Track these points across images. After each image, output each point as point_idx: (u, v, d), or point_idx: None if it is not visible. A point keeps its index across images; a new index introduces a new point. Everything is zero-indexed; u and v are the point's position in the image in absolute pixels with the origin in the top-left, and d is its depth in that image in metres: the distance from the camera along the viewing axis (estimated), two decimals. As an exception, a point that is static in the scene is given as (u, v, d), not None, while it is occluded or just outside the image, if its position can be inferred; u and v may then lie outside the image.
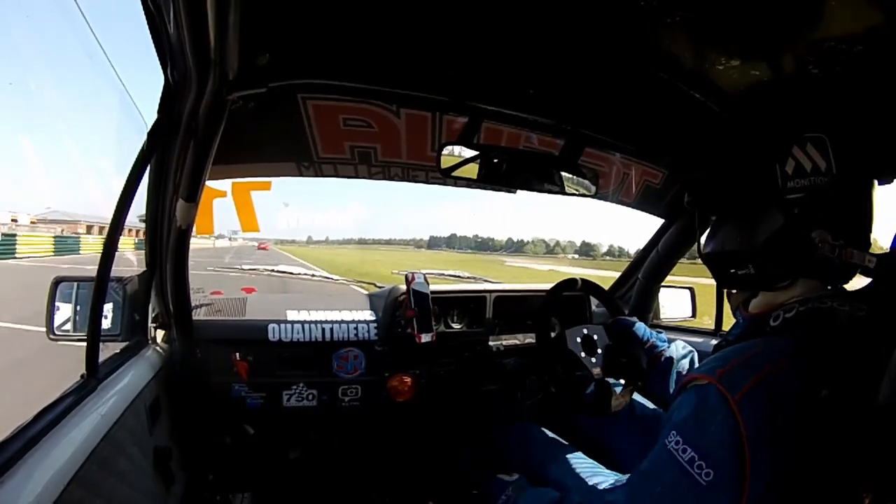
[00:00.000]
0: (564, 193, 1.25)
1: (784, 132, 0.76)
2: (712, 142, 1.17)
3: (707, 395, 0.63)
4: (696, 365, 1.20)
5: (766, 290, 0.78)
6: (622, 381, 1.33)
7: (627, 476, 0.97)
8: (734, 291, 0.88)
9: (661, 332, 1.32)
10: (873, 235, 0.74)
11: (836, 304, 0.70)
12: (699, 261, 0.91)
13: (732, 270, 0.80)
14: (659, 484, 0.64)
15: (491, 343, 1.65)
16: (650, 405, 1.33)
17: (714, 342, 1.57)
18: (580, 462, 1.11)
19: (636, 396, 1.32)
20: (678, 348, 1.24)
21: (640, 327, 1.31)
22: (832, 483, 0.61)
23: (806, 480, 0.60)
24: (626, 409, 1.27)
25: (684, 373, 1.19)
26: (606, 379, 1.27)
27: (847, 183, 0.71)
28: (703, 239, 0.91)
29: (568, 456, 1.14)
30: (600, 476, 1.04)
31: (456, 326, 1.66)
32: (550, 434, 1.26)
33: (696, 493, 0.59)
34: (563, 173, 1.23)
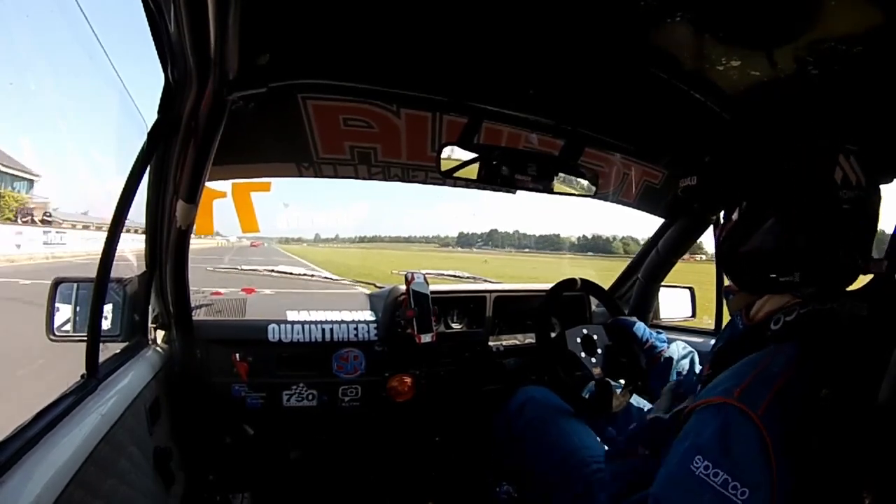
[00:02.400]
0: (565, 194, 1.25)
1: (820, 139, 0.75)
2: (713, 142, 1.17)
3: (729, 415, 0.63)
4: (697, 365, 1.20)
5: (785, 293, 0.77)
6: (622, 381, 1.33)
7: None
8: (731, 296, 0.87)
9: (660, 333, 1.32)
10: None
11: (836, 306, 0.70)
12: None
13: (773, 276, 0.76)
14: (695, 499, 0.62)
15: (491, 343, 1.65)
16: (649, 406, 1.33)
17: (713, 341, 1.58)
18: (581, 435, 1.14)
19: (635, 397, 1.32)
20: (678, 349, 1.23)
21: (640, 327, 1.31)
22: (836, 483, 0.61)
23: (815, 482, 0.61)
24: (625, 409, 1.27)
25: (684, 373, 1.19)
26: (606, 379, 1.27)
27: (871, 196, 0.71)
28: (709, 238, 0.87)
29: (570, 426, 1.17)
30: (596, 457, 1.05)
31: (456, 326, 1.66)
32: (556, 399, 1.27)
33: None
34: (564, 173, 1.23)
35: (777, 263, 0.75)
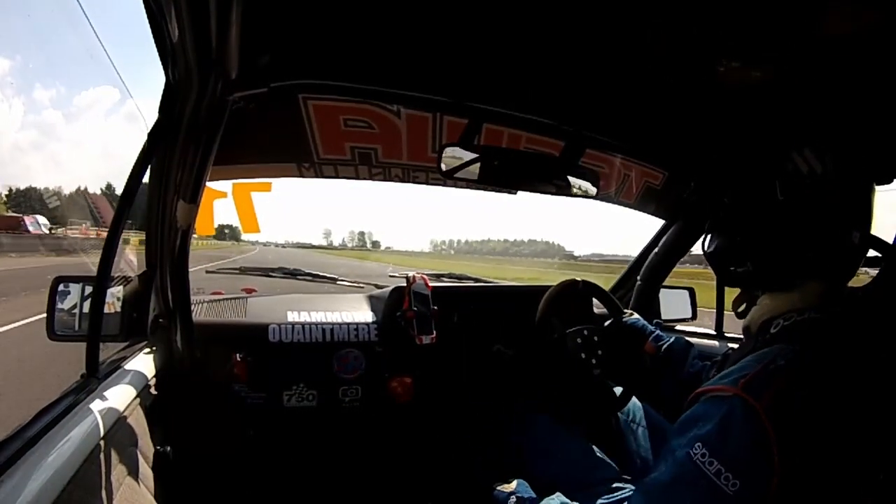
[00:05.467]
0: (565, 194, 1.25)
1: (783, 135, 0.77)
2: (712, 142, 1.17)
3: (733, 407, 0.64)
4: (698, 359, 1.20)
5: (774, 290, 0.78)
6: (622, 382, 1.33)
7: (631, 488, 0.96)
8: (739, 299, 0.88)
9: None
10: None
11: (833, 310, 0.71)
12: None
13: (732, 268, 0.82)
14: (686, 495, 0.64)
15: (492, 343, 1.64)
16: (643, 407, 1.32)
17: (714, 343, 1.59)
18: (581, 457, 1.11)
19: (635, 399, 1.31)
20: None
21: (642, 322, 1.33)
22: (844, 479, 0.62)
23: (824, 479, 0.62)
24: (625, 410, 1.27)
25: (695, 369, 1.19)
26: (607, 380, 1.27)
27: (845, 182, 0.72)
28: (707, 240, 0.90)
29: (571, 449, 1.14)
30: (600, 475, 1.04)
31: (456, 327, 1.66)
32: (554, 425, 1.25)
33: (721, 500, 0.61)
34: (564, 174, 1.23)
35: (730, 257, 0.83)
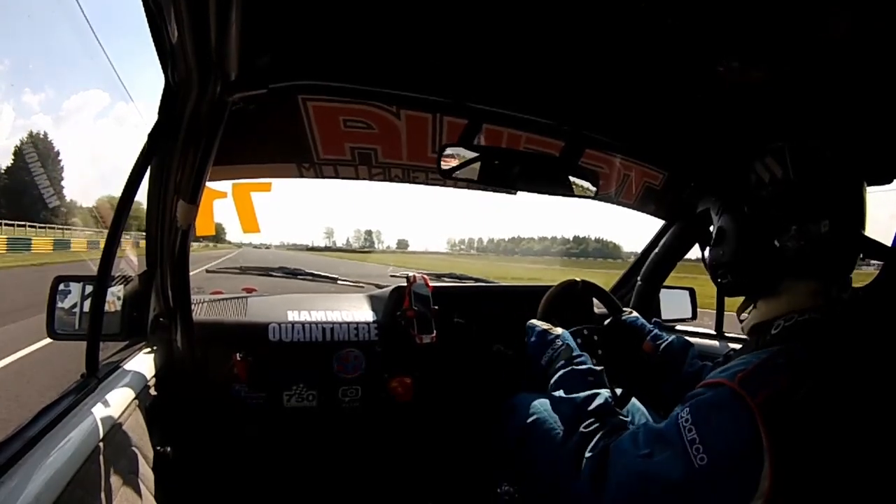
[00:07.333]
0: (565, 195, 1.25)
1: (782, 135, 0.77)
2: (712, 142, 1.17)
3: (723, 394, 0.65)
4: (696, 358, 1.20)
5: (763, 296, 0.79)
6: (622, 381, 1.32)
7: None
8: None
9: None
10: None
11: (833, 311, 0.71)
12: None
13: (718, 280, 0.86)
14: (662, 451, 0.67)
15: (492, 343, 1.64)
16: (644, 408, 1.32)
17: (715, 343, 1.58)
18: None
19: (635, 400, 1.31)
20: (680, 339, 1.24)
21: (641, 320, 1.33)
22: (842, 479, 0.62)
23: (821, 478, 0.61)
24: (624, 412, 1.26)
25: (696, 368, 1.19)
26: (607, 380, 1.26)
27: (810, 186, 0.73)
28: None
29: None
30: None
31: (457, 327, 1.66)
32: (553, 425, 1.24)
33: (686, 469, 0.63)
34: (564, 174, 1.23)
35: (715, 268, 0.85)
